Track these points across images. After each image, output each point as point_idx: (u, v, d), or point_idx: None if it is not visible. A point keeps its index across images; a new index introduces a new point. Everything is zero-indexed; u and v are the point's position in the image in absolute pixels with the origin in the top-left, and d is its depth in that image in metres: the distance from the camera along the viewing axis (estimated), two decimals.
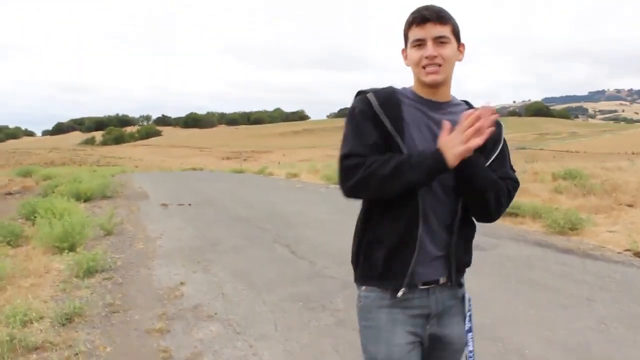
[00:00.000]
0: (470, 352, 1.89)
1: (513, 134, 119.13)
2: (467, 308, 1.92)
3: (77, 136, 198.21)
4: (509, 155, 1.98)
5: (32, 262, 7.08)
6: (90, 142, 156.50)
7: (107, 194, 13.93)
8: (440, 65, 1.76)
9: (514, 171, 1.97)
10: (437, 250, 1.83)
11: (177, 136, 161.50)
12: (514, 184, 1.92)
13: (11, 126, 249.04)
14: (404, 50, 1.86)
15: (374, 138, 1.77)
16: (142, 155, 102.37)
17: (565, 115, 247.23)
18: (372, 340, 1.87)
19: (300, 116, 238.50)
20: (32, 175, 25.65)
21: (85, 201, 13.48)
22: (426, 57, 1.75)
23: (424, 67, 1.77)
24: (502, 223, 8.77)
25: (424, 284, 1.84)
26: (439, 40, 1.75)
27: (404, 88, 1.89)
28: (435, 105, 1.84)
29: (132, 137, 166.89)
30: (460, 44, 1.84)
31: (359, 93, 1.87)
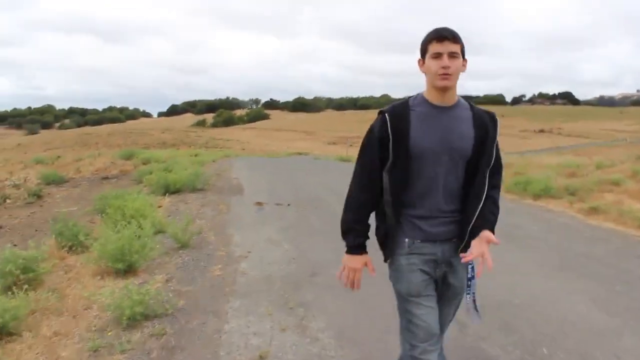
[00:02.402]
0: (469, 294, 2.48)
1: (637, 125, 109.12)
2: (469, 271, 2.44)
3: (189, 118, 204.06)
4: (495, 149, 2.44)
5: (75, 288, 5.34)
6: (202, 124, 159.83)
7: (197, 186, 12.23)
8: (451, 74, 2.24)
9: (501, 168, 2.54)
10: (443, 215, 2.38)
11: (284, 120, 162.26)
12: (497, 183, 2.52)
13: (131, 107, 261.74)
14: (420, 60, 2.34)
15: (376, 158, 2.36)
16: (249, 137, 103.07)
17: None
18: (396, 280, 2.45)
19: None
20: (133, 157, 24.94)
21: (173, 193, 11.93)
22: (442, 67, 2.23)
23: (439, 75, 2.24)
24: None
25: (432, 239, 2.38)
26: (452, 55, 2.24)
27: (416, 95, 2.40)
28: (440, 108, 2.34)
29: (241, 120, 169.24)
30: (465, 60, 2.31)
31: (380, 112, 2.39)
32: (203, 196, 11.33)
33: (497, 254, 2.65)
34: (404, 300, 2.42)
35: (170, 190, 11.97)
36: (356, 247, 2.43)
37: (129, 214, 7.48)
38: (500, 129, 2.44)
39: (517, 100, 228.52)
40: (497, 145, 2.44)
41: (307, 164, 23.32)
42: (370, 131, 2.38)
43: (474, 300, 2.48)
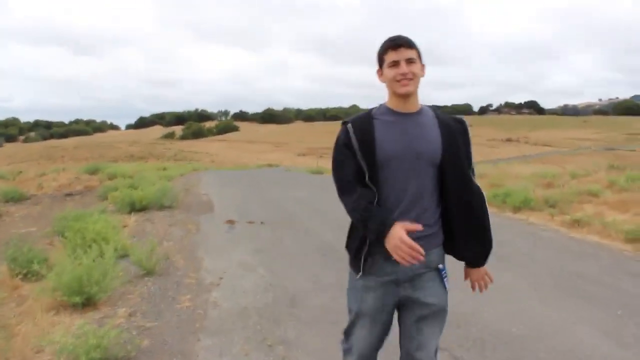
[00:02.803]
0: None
1: (600, 134, 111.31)
2: (443, 276, 2.38)
3: (158, 130, 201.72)
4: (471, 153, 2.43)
5: (27, 324, 4.77)
6: (170, 136, 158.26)
7: (165, 204, 11.63)
8: (411, 79, 2.25)
9: (474, 174, 2.43)
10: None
11: (254, 131, 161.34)
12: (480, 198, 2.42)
13: (99, 120, 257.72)
14: (379, 71, 2.36)
15: (350, 169, 2.30)
16: (219, 150, 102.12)
17: None
18: (350, 294, 2.46)
19: None
20: (98, 172, 24.12)
21: (140, 211, 11.33)
22: (401, 74, 2.24)
23: (398, 81, 2.25)
24: None
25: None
26: (410, 61, 2.25)
27: (379, 106, 2.39)
28: (404, 115, 2.33)
29: (210, 132, 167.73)
30: (422, 65, 2.32)
31: (343, 123, 2.36)
32: (171, 214, 10.75)
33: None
34: (352, 313, 2.45)
35: (136, 208, 11.37)
36: (383, 221, 2.21)
37: (90, 238, 6.91)
38: (471, 135, 2.45)
39: (484, 110, 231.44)
40: (471, 156, 2.43)
41: (279, 177, 22.82)
42: (336, 143, 2.36)
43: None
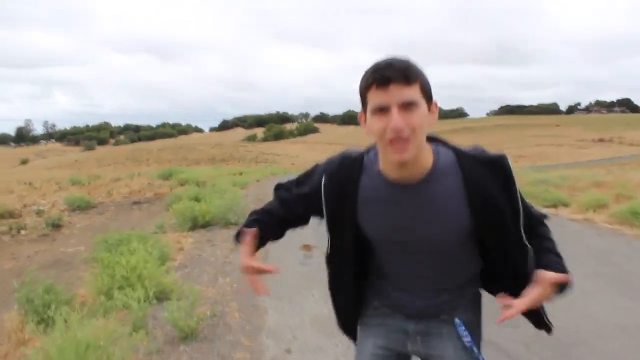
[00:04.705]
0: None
1: None
2: (461, 333, 1.70)
3: (240, 132, 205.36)
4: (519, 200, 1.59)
5: None
6: (252, 138, 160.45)
7: (231, 220, 9.92)
8: (408, 139, 1.41)
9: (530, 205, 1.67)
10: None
11: (334, 133, 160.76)
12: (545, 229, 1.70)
13: (182, 123, 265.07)
14: (361, 115, 1.54)
15: (298, 208, 1.78)
16: (299, 151, 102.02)
17: None
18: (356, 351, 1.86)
19: (459, 114, 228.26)
20: (172, 178, 23.01)
21: (203, 227, 9.73)
22: (392, 129, 1.40)
23: (388, 142, 1.43)
24: None
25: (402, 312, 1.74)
26: (407, 106, 1.40)
27: (376, 150, 1.59)
28: (401, 187, 1.54)
29: (291, 134, 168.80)
30: (431, 103, 1.49)
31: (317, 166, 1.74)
32: None
33: None
34: None
35: (199, 223, 9.79)
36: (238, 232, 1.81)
37: (120, 275, 5.25)
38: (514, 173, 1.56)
39: (572, 109, 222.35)
40: (519, 195, 1.59)
41: None
42: (310, 175, 1.77)
43: None
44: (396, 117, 1.39)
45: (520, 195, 1.59)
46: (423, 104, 1.43)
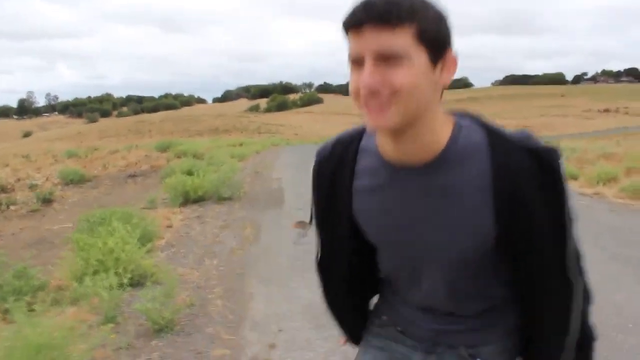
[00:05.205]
0: None
1: None
2: None
3: (243, 103, 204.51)
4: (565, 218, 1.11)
5: None
6: (255, 109, 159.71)
7: (224, 195, 9.47)
8: (388, 103, 1.00)
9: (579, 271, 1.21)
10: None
11: (337, 103, 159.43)
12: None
13: (186, 94, 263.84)
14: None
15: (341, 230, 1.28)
16: (302, 122, 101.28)
17: None
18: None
19: (464, 83, 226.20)
20: (170, 149, 22.56)
21: (196, 202, 9.32)
22: (363, 87, 1.00)
23: (365, 104, 1.02)
24: None
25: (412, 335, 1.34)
26: (384, 58, 0.98)
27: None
28: (402, 171, 1.13)
29: (294, 105, 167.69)
30: (442, 56, 1.03)
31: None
32: (229, 210, 8.58)
33: None
34: None
35: (191, 198, 9.36)
36: None
37: (95, 259, 4.83)
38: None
39: (578, 79, 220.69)
40: (567, 209, 1.10)
41: None
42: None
43: None
44: (367, 72, 0.99)
45: (570, 211, 1.12)
46: (419, 57, 1.00)
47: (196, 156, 17.92)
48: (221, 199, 9.35)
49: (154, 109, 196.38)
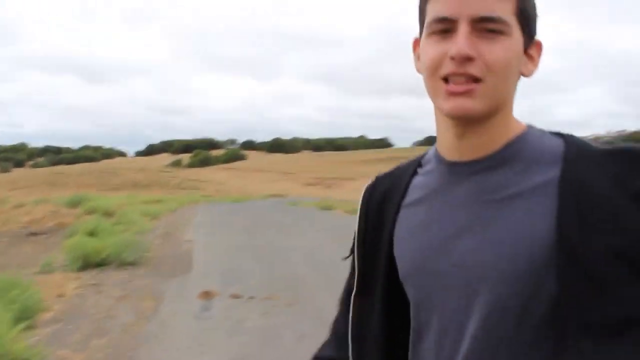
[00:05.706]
0: None
1: None
2: None
3: (166, 157, 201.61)
4: None
5: None
6: (177, 164, 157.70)
7: (127, 259, 8.81)
8: (477, 80, 0.81)
9: None
10: None
11: (261, 160, 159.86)
12: None
13: (106, 146, 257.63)
14: (416, 43, 0.94)
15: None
16: (225, 178, 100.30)
17: None
18: None
19: (385, 143, 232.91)
20: (80, 205, 21.46)
21: (97, 266, 8.60)
22: (452, 58, 0.81)
23: (445, 80, 0.84)
24: None
25: None
26: (484, 26, 0.82)
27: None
28: (460, 167, 0.91)
29: (218, 160, 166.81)
30: (532, 41, 0.89)
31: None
32: (130, 276, 7.93)
33: None
34: None
35: (92, 262, 8.65)
36: None
37: None
38: None
39: None
40: None
41: (283, 215, 19.89)
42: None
43: None
44: (462, 37, 0.81)
45: None
46: (516, 34, 0.85)
47: (107, 213, 17.05)
48: (124, 264, 8.67)
49: (73, 161, 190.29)
